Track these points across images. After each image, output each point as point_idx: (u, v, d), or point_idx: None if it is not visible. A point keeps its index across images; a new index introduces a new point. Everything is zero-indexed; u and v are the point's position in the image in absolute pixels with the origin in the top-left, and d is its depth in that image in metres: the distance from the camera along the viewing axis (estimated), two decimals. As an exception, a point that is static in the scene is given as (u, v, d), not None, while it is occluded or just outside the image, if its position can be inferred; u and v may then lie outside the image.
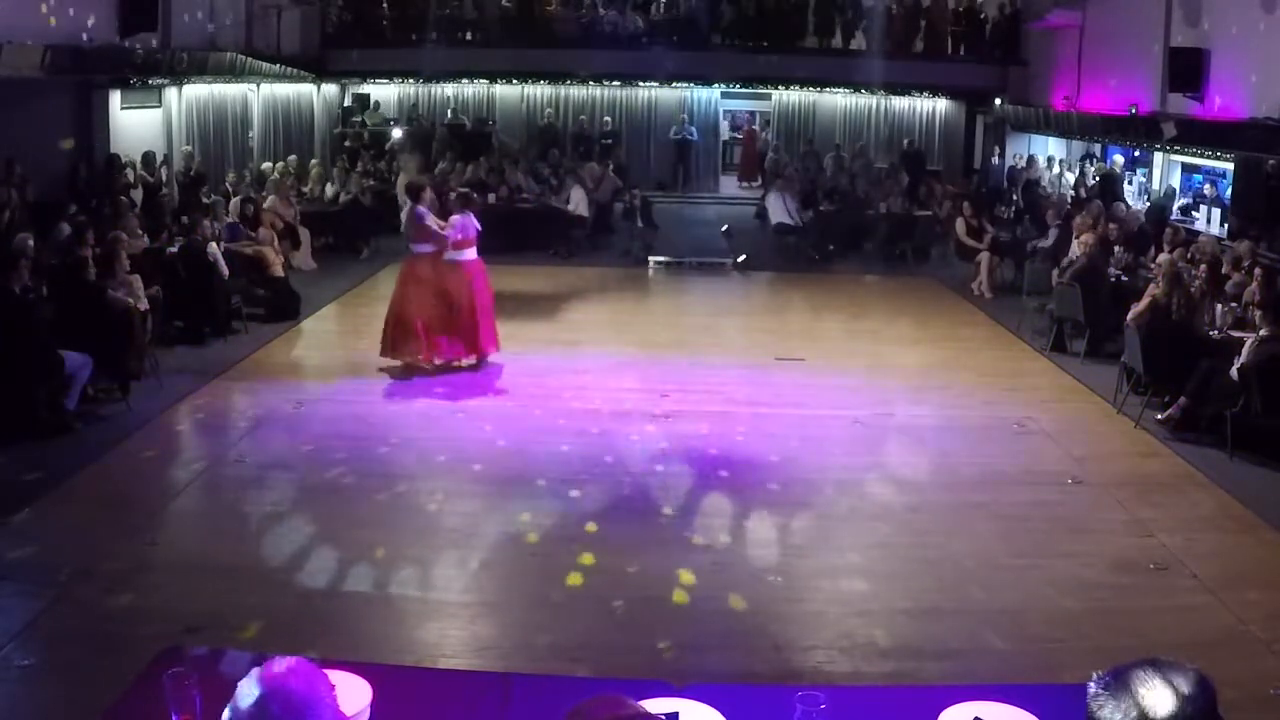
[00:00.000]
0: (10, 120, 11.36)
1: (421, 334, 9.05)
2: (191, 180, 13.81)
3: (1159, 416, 8.01)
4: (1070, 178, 16.95)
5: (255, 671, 1.78)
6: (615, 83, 20.39)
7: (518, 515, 6.16)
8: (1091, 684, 1.72)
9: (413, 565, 5.49)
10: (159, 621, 4.70)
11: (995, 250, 13.29)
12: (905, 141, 20.17)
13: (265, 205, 12.75)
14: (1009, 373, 9.68)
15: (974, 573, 5.55)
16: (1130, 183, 15.97)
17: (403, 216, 9.57)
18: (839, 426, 8.01)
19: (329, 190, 15.37)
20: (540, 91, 20.89)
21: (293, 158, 16.14)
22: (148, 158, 13.61)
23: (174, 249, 10.16)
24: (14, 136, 11.44)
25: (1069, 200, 14.37)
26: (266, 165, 15.68)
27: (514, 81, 20.50)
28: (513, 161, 17.28)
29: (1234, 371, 7.39)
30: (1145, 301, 8.40)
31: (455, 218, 9.24)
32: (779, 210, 15.46)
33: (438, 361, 9.16)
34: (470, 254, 9.28)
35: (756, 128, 22.84)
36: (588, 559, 5.59)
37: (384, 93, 20.68)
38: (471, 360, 9.30)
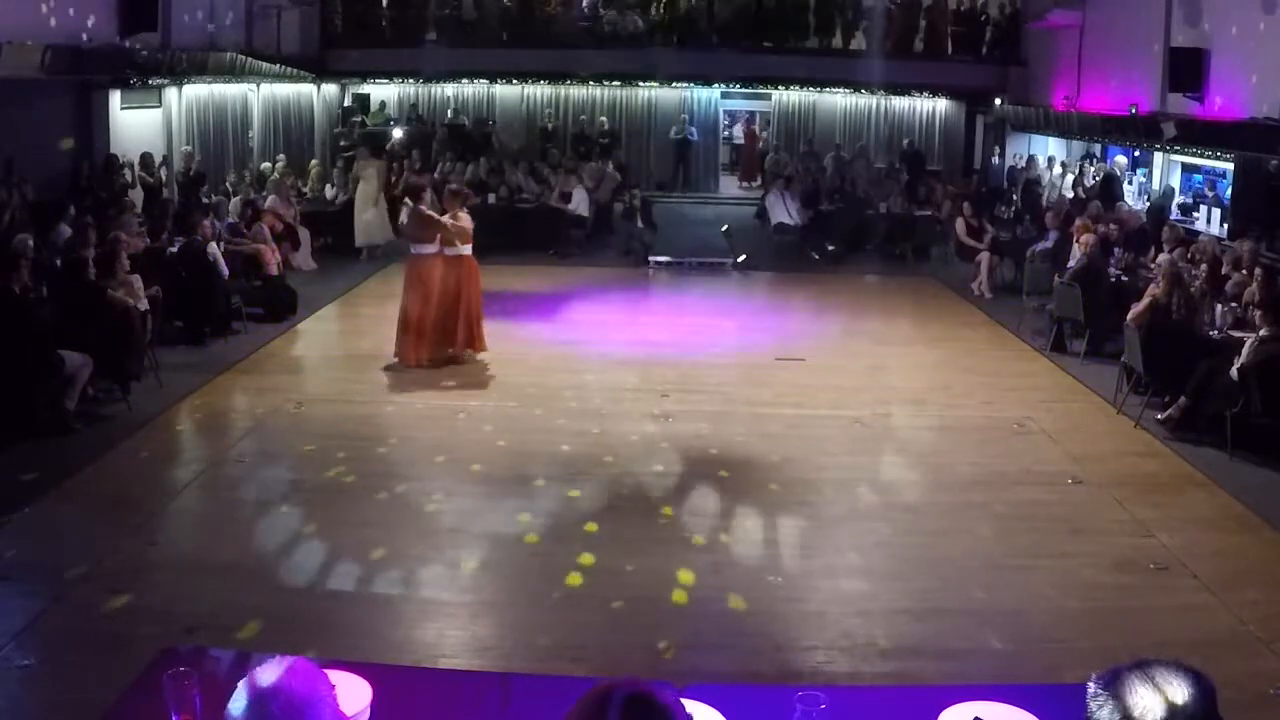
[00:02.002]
0: (10, 120, 11.36)
1: (430, 335, 9.11)
2: (191, 180, 13.80)
3: (1159, 416, 8.01)
4: (1070, 178, 16.95)
5: (255, 671, 1.78)
6: (615, 83, 20.39)
7: (518, 515, 6.16)
8: (1091, 684, 1.73)
9: (413, 565, 5.49)
10: (159, 621, 4.70)
11: (995, 250, 13.30)
12: (905, 141, 20.17)
13: (265, 206, 12.74)
14: (1009, 373, 9.67)
15: (974, 573, 5.55)
16: (1130, 183, 15.96)
17: (402, 217, 9.55)
18: (839, 426, 8.01)
19: (329, 190, 15.34)
20: (540, 91, 20.89)
21: (282, 156, 16.05)
22: (146, 158, 13.60)
23: (174, 249, 10.16)
24: (14, 136, 11.44)
25: (1068, 201, 14.36)
26: (266, 165, 15.67)
27: (514, 81, 20.51)
28: (513, 161, 17.26)
29: (1234, 371, 7.38)
30: (1145, 301, 8.39)
31: (464, 215, 9.25)
32: (779, 210, 15.47)
33: (435, 355, 9.18)
34: (468, 249, 9.30)
35: (756, 128, 22.84)
36: (588, 559, 5.58)
37: (384, 93, 20.68)
38: (466, 353, 9.32)
